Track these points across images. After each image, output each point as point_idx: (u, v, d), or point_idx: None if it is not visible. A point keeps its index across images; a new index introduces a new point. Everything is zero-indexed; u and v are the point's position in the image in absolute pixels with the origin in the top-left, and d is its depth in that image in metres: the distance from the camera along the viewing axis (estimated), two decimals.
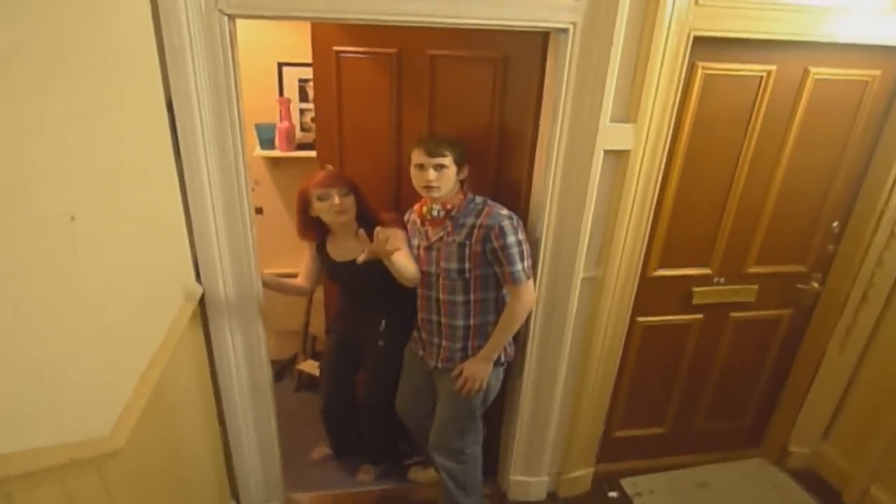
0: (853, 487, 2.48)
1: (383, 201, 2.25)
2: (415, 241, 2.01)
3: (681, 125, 1.95)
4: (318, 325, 3.13)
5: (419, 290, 2.02)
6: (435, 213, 1.91)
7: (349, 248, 2.07)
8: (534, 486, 2.48)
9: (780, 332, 2.49)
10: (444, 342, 2.00)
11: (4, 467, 0.87)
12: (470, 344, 1.98)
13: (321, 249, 2.19)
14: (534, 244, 1.97)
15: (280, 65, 2.99)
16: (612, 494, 2.55)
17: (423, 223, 1.98)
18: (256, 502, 2.28)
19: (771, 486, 2.61)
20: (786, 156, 2.09)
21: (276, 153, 3.03)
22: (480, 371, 1.95)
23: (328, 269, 2.21)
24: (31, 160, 0.94)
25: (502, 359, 2.01)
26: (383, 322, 2.24)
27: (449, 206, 1.89)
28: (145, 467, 1.35)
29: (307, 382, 3.20)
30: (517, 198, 2.06)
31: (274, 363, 2.17)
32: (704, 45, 1.78)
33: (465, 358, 1.98)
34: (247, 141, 1.73)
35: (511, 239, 1.82)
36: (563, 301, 2.07)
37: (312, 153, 2.78)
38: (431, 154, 1.81)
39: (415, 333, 2.16)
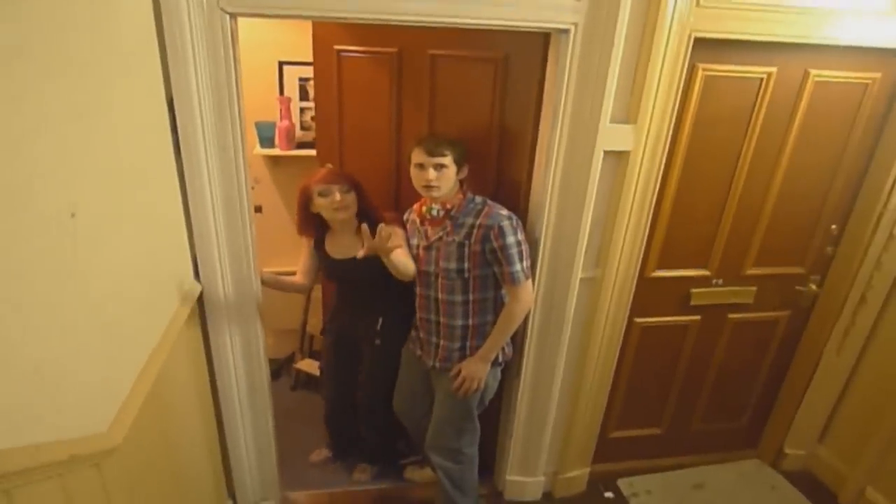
0: (849, 489, 2.49)
1: (383, 200, 2.25)
2: (414, 241, 2.01)
3: (681, 126, 1.95)
4: (315, 323, 3.13)
5: (418, 290, 2.02)
6: (434, 212, 1.91)
7: (348, 245, 2.07)
8: (530, 486, 2.48)
9: (777, 334, 2.49)
10: (442, 342, 2.00)
11: (3, 463, 0.87)
12: (468, 344, 1.98)
13: (319, 246, 2.19)
14: (533, 244, 1.98)
15: (281, 63, 2.99)
16: (609, 495, 2.55)
17: (422, 223, 1.98)
18: (253, 500, 2.28)
19: (767, 488, 2.62)
20: (785, 158, 2.10)
21: (276, 152, 3.03)
22: (478, 371, 1.95)
23: (326, 267, 2.21)
24: (32, 158, 0.94)
25: (500, 359, 2.01)
26: (380, 320, 2.23)
27: (448, 206, 1.89)
28: (143, 464, 1.35)
29: (304, 381, 3.20)
30: (517, 198, 2.06)
31: (271, 362, 2.17)
32: (705, 47, 1.78)
33: (462, 358, 1.98)
34: (247, 139, 1.73)
35: (510, 239, 1.82)
36: (562, 301, 2.07)
37: (312, 152, 2.78)
38: (431, 153, 1.82)
39: (413, 333, 2.16)
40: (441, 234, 1.92)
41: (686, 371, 2.50)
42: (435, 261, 1.93)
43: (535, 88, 1.90)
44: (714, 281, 2.31)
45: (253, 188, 1.85)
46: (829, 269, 2.37)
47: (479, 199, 1.92)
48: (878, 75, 2.00)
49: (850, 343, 2.40)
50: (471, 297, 1.92)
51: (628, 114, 1.83)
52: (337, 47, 2.20)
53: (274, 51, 2.96)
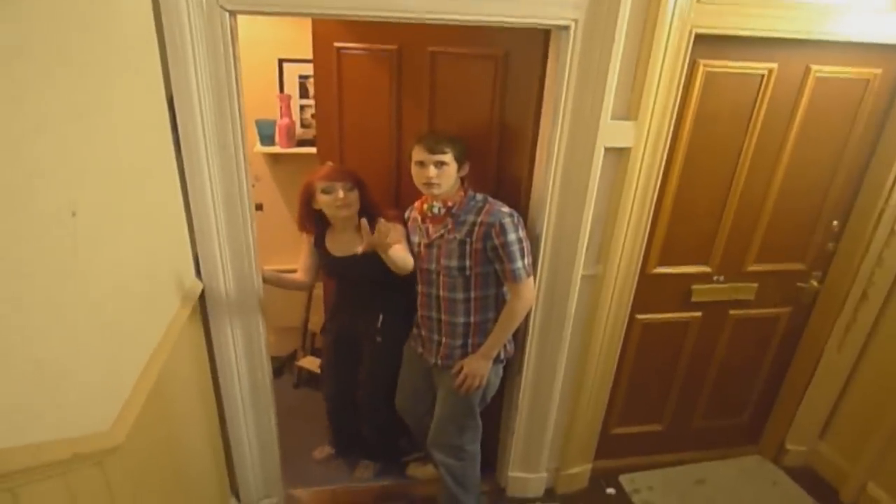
0: (850, 485, 2.49)
1: (383, 198, 2.25)
2: (415, 239, 2.01)
3: (682, 123, 1.95)
4: (317, 321, 3.13)
5: (419, 287, 2.02)
6: (436, 210, 1.91)
7: (348, 242, 2.07)
8: (532, 483, 2.48)
9: (779, 330, 2.49)
10: (443, 339, 2.00)
11: (7, 462, 0.87)
12: (470, 341, 1.98)
13: (319, 243, 2.19)
14: (534, 241, 1.98)
15: (280, 61, 2.98)
16: (610, 491, 2.56)
17: (423, 220, 1.98)
18: (256, 498, 2.28)
19: (768, 484, 2.62)
20: (786, 154, 2.10)
21: (277, 149, 3.03)
22: (480, 368, 1.95)
23: (326, 264, 2.21)
24: (33, 157, 0.94)
25: (502, 356, 2.01)
26: (381, 317, 2.24)
27: (450, 204, 1.89)
28: (146, 462, 1.36)
29: (306, 379, 3.20)
30: (517, 195, 2.06)
31: (273, 359, 2.18)
32: (706, 43, 1.78)
33: (464, 355, 1.98)
34: (247, 137, 1.73)
35: (512, 236, 1.82)
36: (563, 298, 2.07)
37: (313, 150, 2.78)
38: (432, 151, 1.81)
39: (414, 330, 2.16)
40: (442, 231, 1.91)
41: (687, 367, 2.50)
42: (436, 258, 1.93)
43: (535, 85, 1.90)
44: (715, 277, 2.31)
45: (253, 186, 1.85)
46: (830, 265, 2.37)
47: (480, 196, 1.92)
48: (879, 71, 1.99)
49: (852, 339, 2.40)
50: (472, 295, 1.93)
51: (629, 110, 1.83)
52: (337, 44, 2.20)
53: (273, 48, 2.95)
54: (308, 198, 2.07)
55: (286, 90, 3.02)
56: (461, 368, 1.96)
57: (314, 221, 2.15)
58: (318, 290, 2.87)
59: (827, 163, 2.15)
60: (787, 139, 2.07)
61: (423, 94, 2.15)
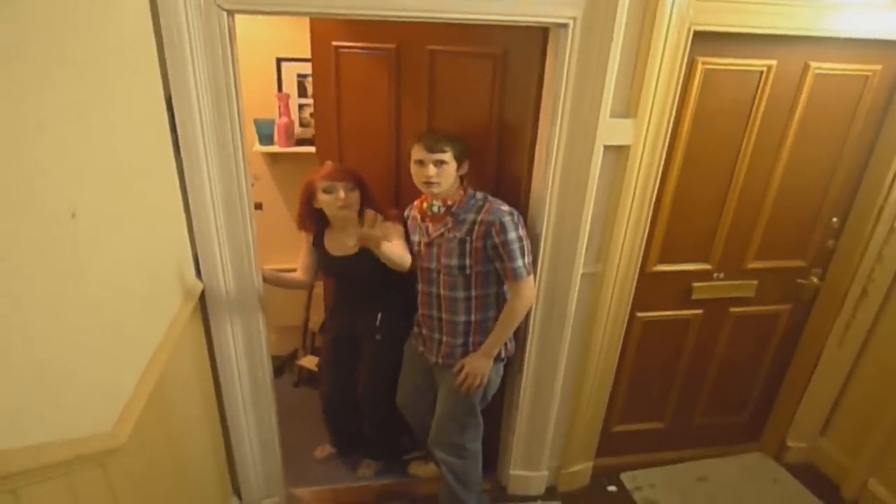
0: (851, 481, 2.49)
1: (383, 197, 2.24)
2: (415, 237, 2.01)
3: (681, 120, 1.95)
4: (317, 320, 3.13)
5: (419, 286, 2.02)
6: (435, 209, 1.91)
7: (347, 242, 2.07)
8: (533, 481, 2.49)
9: (779, 327, 2.50)
10: (444, 338, 2.01)
11: (9, 463, 0.87)
12: (470, 340, 1.98)
13: (318, 243, 2.19)
14: (534, 240, 1.98)
15: (278, 60, 2.98)
16: (612, 488, 2.56)
17: (423, 219, 1.98)
18: (257, 497, 2.28)
19: (770, 481, 2.62)
20: (786, 151, 2.09)
21: (276, 149, 3.03)
22: (481, 367, 1.95)
23: (324, 263, 2.21)
24: (32, 158, 0.94)
25: (503, 354, 2.02)
26: (379, 316, 2.24)
27: (449, 202, 1.89)
28: (148, 463, 1.36)
29: (307, 378, 3.21)
30: (517, 193, 2.06)
31: (274, 359, 2.18)
32: (705, 40, 1.78)
33: (465, 354, 1.98)
34: (246, 136, 1.73)
35: (512, 235, 1.82)
36: (563, 297, 2.07)
37: (312, 149, 2.78)
38: (431, 150, 1.81)
39: (415, 329, 2.16)
40: (442, 230, 1.91)
41: (688, 365, 2.51)
42: (436, 257, 1.93)
43: (534, 83, 1.89)
44: (715, 275, 2.31)
45: (252, 185, 1.85)
46: (830, 262, 2.37)
47: (479, 195, 1.92)
48: (878, 67, 1.99)
49: (852, 336, 2.41)
50: (473, 294, 1.93)
51: (628, 108, 1.83)
52: (335, 43, 2.20)
53: (271, 47, 2.95)
54: (309, 197, 2.07)
55: (284, 89, 3.02)
56: (462, 367, 1.96)
57: (314, 220, 2.15)
58: (319, 290, 2.87)
59: (826, 160, 2.15)
60: (787, 136, 2.07)
61: (422, 92, 2.15)
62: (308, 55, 2.28)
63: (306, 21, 2.24)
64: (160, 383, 1.39)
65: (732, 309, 2.41)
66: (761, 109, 2.00)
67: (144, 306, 1.42)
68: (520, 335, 2.13)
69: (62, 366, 1.03)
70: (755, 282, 2.35)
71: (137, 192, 1.39)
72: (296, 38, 2.78)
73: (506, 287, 1.95)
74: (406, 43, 2.12)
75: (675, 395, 2.58)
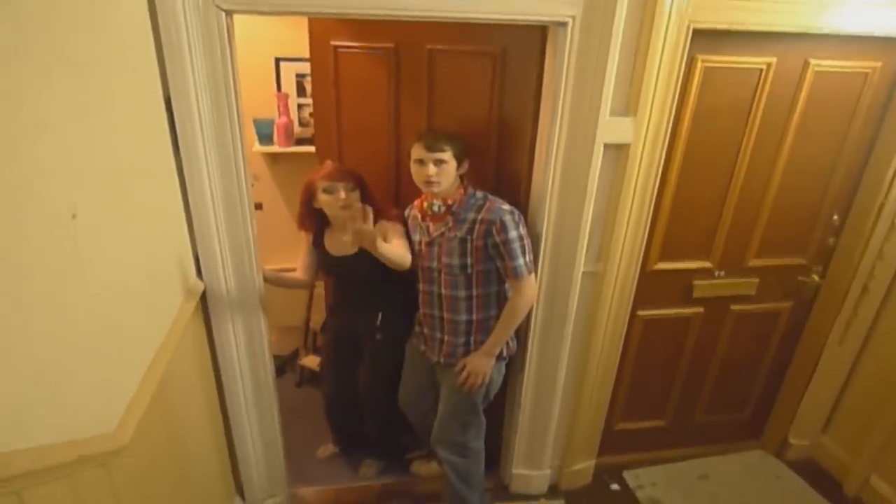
0: (853, 478, 2.49)
1: (382, 196, 2.24)
2: (416, 237, 2.01)
3: (680, 118, 1.95)
4: (318, 320, 3.12)
5: (420, 286, 2.02)
6: (436, 208, 1.91)
7: (347, 242, 2.07)
8: (536, 479, 2.49)
9: (780, 325, 2.49)
10: (446, 337, 2.01)
11: (12, 465, 0.87)
12: (472, 339, 1.98)
13: (318, 242, 2.19)
14: (534, 238, 1.98)
15: (277, 60, 2.98)
16: (614, 487, 2.56)
17: (423, 218, 1.98)
18: (260, 497, 2.29)
19: (771, 478, 2.62)
20: (786, 148, 2.09)
21: (275, 149, 3.03)
22: (483, 366, 1.95)
23: (324, 263, 2.21)
24: (32, 158, 0.94)
25: (504, 353, 2.02)
26: (380, 315, 2.24)
27: (450, 202, 1.89)
28: (150, 463, 1.36)
29: (309, 377, 3.21)
30: (517, 192, 2.06)
31: (275, 358, 2.18)
32: (704, 38, 1.78)
33: (467, 353, 1.98)
34: (245, 136, 1.73)
35: (513, 234, 1.82)
36: (564, 295, 2.07)
37: (311, 148, 2.78)
38: (431, 149, 1.81)
39: (416, 328, 2.16)
40: (443, 229, 1.91)
41: (689, 363, 2.51)
42: (437, 256, 1.93)
43: (533, 82, 1.89)
44: (716, 273, 2.31)
45: (252, 185, 1.85)
46: (831, 259, 2.37)
47: (480, 193, 1.92)
48: (878, 64, 1.99)
49: (853, 333, 2.41)
50: (474, 293, 1.93)
51: (628, 106, 1.83)
52: (334, 43, 2.19)
53: (270, 47, 2.95)
54: (309, 196, 2.07)
55: (283, 89, 3.02)
56: (464, 366, 1.96)
57: (314, 220, 2.14)
58: (320, 289, 2.87)
59: (826, 157, 2.15)
60: (787, 134, 2.07)
61: (422, 91, 2.15)
62: (307, 55, 2.28)
63: (305, 21, 2.24)
64: (162, 384, 1.39)
65: (733, 307, 2.41)
66: (761, 107, 2.00)
67: (145, 307, 1.42)
68: (521, 334, 2.13)
69: (63, 366, 1.03)
70: (756, 280, 2.35)
71: (137, 193, 1.39)
72: (294, 38, 2.78)
73: (507, 286, 1.95)
74: (405, 42, 2.12)
75: (676, 393, 2.58)
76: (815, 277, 2.38)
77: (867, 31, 1.85)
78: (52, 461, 0.96)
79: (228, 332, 1.94)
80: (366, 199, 2.06)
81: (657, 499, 2.48)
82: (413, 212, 2.05)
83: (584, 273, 2.06)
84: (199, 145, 1.65)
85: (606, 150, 1.86)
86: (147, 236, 1.45)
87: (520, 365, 2.22)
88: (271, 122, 2.98)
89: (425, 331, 2.09)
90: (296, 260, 2.27)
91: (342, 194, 1.99)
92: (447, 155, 1.82)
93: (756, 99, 1.98)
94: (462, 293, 1.93)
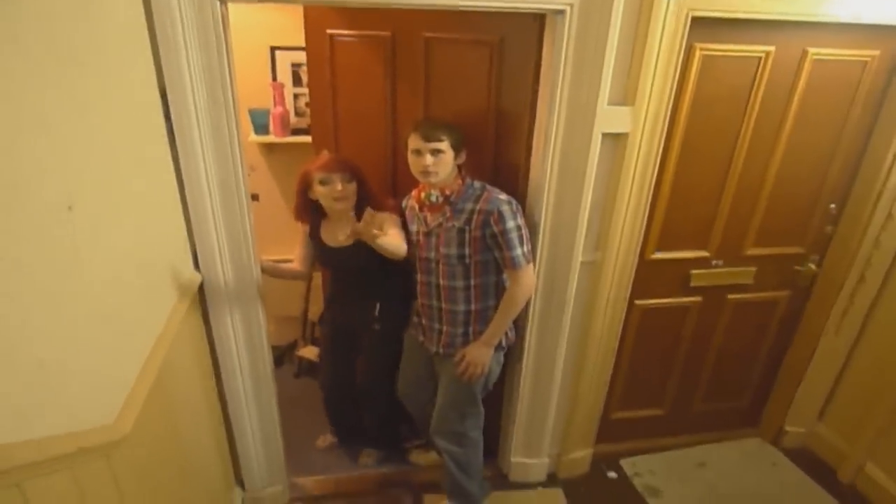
0: (848, 466, 2.52)
1: (379, 186, 2.23)
2: (413, 227, 2.00)
3: (679, 107, 1.94)
4: (316, 311, 3.13)
5: (419, 276, 2.02)
6: (433, 198, 1.90)
7: (343, 233, 2.06)
8: (534, 468, 2.50)
9: (777, 314, 2.50)
10: (444, 327, 2.01)
11: (13, 457, 0.88)
12: (471, 329, 1.98)
13: (314, 234, 2.18)
14: (532, 228, 1.97)
15: (273, 49, 2.96)
16: (612, 475, 2.58)
17: (421, 209, 1.97)
18: (260, 486, 2.30)
19: (768, 465, 2.65)
20: (784, 137, 2.09)
21: (271, 139, 3.02)
22: (482, 356, 1.96)
23: (321, 254, 2.21)
24: (28, 152, 0.93)
25: (503, 343, 2.02)
26: (378, 306, 2.24)
27: (447, 192, 1.89)
28: (151, 454, 1.37)
29: (307, 368, 3.21)
30: (515, 182, 2.06)
31: (274, 349, 2.18)
32: (703, 26, 1.77)
33: (465, 343, 1.99)
34: (241, 126, 1.72)
35: (510, 224, 1.82)
36: (562, 285, 2.08)
37: (308, 138, 2.76)
38: (428, 139, 1.80)
39: (414, 319, 2.16)
40: (441, 220, 1.91)
41: (687, 352, 2.52)
42: (435, 247, 1.93)
43: (531, 71, 1.88)
44: (714, 262, 2.31)
45: (248, 175, 1.84)
46: (828, 248, 2.37)
47: (477, 184, 1.91)
48: (876, 52, 1.98)
49: (849, 322, 2.42)
50: (472, 283, 1.93)
51: (626, 96, 1.82)
52: (330, 31, 2.17)
53: (265, 36, 2.92)
54: (305, 187, 2.06)
55: (279, 78, 3.00)
56: (463, 356, 1.96)
57: (310, 211, 2.13)
58: (318, 280, 2.87)
59: (825, 146, 2.15)
60: (785, 122, 2.06)
61: (418, 80, 2.13)
62: (302, 43, 2.26)
63: (300, 8, 2.22)
64: (161, 374, 1.39)
65: (731, 296, 2.41)
66: (759, 96, 1.99)
67: (144, 298, 1.42)
68: (519, 323, 2.13)
69: (64, 359, 1.03)
70: (753, 269, 2.36)
71: (133, 185, 1.38)
72: (290, 26, 2.76)
73: (505, 276, 1.95)
74: (401, 30, 2.10)
75: (674, 382, 2.60)
76: (812, 266, 2.39)
77: (866, 19, 1.84)
78: (52, 453, 0.96)
79: (227, 323, 1.94)
80: (362, 190, 2.05)
81: (655, 486, 2.50)
82: (410, 202, 2.05)
83: (582, 263, 2.06)
84: (195, 135, 1.64)
85: (604, 139, 1.86)
86: (143, 228, 1.44)
87: (518, 354, 2.22)
88: (267, 112, 2.96)
89: (423, 321, 2.09)
90: (293, 251, 2.26)
91: (339, 186, 1.98)
92: (444, 145, 1.81)
93: (754, 87, 1.98)
94: (460, 283, 1.93)
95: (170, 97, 1.57)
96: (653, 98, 1.81)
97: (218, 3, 1.52)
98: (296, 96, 3.06)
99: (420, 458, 2.62)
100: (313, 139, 2.44)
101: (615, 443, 2.65)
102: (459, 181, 1.90)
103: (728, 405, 2.74)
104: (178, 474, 1.59)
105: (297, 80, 3.03)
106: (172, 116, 1.59)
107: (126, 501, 1.18)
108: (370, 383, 2.43)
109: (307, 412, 2.76)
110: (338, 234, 2.10)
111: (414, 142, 1.83)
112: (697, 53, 1.86)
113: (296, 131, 3.04)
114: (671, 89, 1.83)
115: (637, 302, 2.30)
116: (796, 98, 2.02)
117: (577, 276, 2.07)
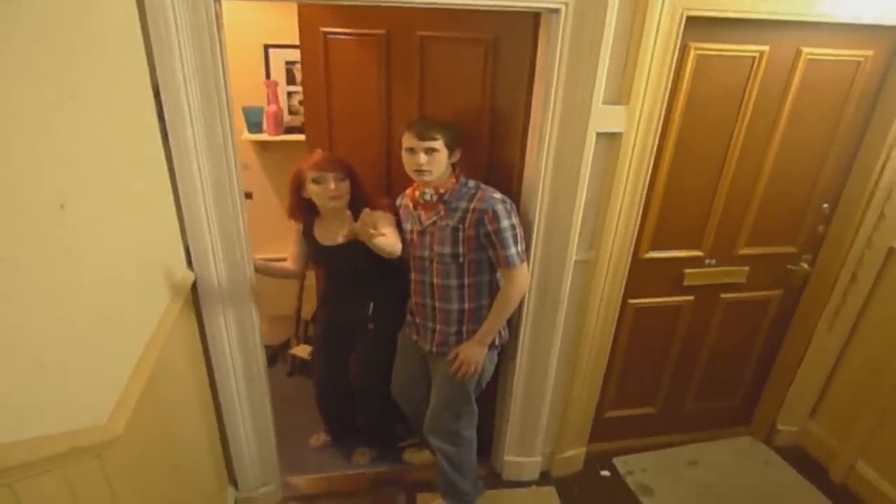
0: (839, 464, 2.53)
1: (374, 185, 2.22)
2: (407, 226, 2.00)
3: (673, 107, 1.94)
4: (309, 309, 3.13)
5: (412, 275, 2.02)
6: (427, 197, 1.90)
7: (337, 232, 2.04)
8: (527, 467, 2.51)
9: (769, 313, 2.52)
10: (438, 326, 2.01)
11: (5, 458, 0.87)
12: (464, 328, 1.98)
13: (308, 232, 2.17)
14: (527, 227, 1.97)
15: (266, 47, 2.94)
16: (605, 473, 2.59)
17: (415, 207, 1.97)
18: (253, 486, 2.29)
19: (760, 463, 2.66)
20: (777, 137, 2.10)
21: (265, 137, 3.01)
22: (475, 354, 1.96)
23: (314, 253, 2.20)
24: (20, 149, 0.93)
25: (496, 342, 2.02)
26: (371, 305, 2.23)
27: (441, 191, 1.88)
28: (144, 454, 1.36)
29: (300, 367, 3.20)
30: (509, 181, 2.06)
31: (266, 348, 2.17)
32: (697, 26, 1.77)
33: (459, 342, 1.99)
34: (234, 124, 1.71)
35: (505, 223, 1.81)
36: (556, 284, 2.08)
37: (301, 137, 2.76)
38: (422, 137, 1.80)
39: (408, 318, 2.16)
40: (435, 218, 1.91)
41: (680, 351, 2.53)
42: (429, 245, 1.92)
43: (526, 70, 1.88)
44: (707, 261, 2.32)
45: (242, 174, 1.83)
46: (820, 248, 2.39)
47: (472, 182, 1.91)
48: (870, 53, 1.99)
49: (841, 321, 2.43)
50: (466, 281, 1.93)
51: (620, 95, 1.82)
52: (323, 29, 2.16)
53: (259, 34, 2.91)
54: (298, 186, 2.05)
55: (273, 76, 2.99)
56: (456, 355, 1.96)
57: (304, 210, 2.12)
58: (311, 279, 2.86)
59: (818, 145, 2.16)
60: (779, 122, 2.07)
61: (413, 79, 2.13)
62: (296, 41, 2.25)
63: (294, 6, 2.21)
64: (154, 374, 1.38)
65: (723, 295, 2.42)
66: (753, 95, 2.00)
67: (137, 298, 1.41)
68: (513, 322, 2.13)
69: (56, 358, 1.02)
70: (746, 268, 2.37)
71: (126, 183, 1.37)
72: (283, 25, 2.75)
73: (499, 275, 1.95)
74: (396, 29, 2.09)
75: (666, 381, 2.61)
76: (805, 265, 2.40)
77: (860, 19, 1.85)
78: (45, 453, 0.95)
79: (220, 322, 1.93)
80: (355, 189, 2.04)
81: (647, 485, 2.51)
82: (405, 201, 2.04)
83: (575, 261, 2.06)
84: (189, 133, 1.63)
85: (599, 138, 1.86)
86: (136, 227, 1.43)
87: (512, 353, 2.22)
88: (260, 110, 2.95)
89: (417, 320, 2.08)
90: (286, 249, 2.25)
91: (332, 185, 1.97)
92: (438, 143, 1.80)
93: (748, 87, 1.98)
94: (454, 282, 1.93)
95: (163, 96, 1.56)
96: (647, 97, 1.81)
97: (212, 2, 1.51)
98: (289, 94, 3.06)
99: (414, 456, 2.62)
100: (307, 137, 2.43)
101: (608, 441, 2.66)
102: (454, 180, 1.89)
103: (720, 404, 2.75)
104: (170, 474, 1.58)
105: (290, 79, 3.02)
106: (166, 115, 1.58)
107: (118, 502, 1.17)
108: (364, 382, 2.42)
109: (300, 411, 2.75)
110: (331, 233, 2.09)
111: (408, 140, 1.82)
112: (692, 53, 1.87)
113: (289, 129, 3.03)
114: (665, 89, 1.83)
115: (630, 301, 2.31)
116: (790, 98, 2.03)
117: (570, 274, 2.07)
